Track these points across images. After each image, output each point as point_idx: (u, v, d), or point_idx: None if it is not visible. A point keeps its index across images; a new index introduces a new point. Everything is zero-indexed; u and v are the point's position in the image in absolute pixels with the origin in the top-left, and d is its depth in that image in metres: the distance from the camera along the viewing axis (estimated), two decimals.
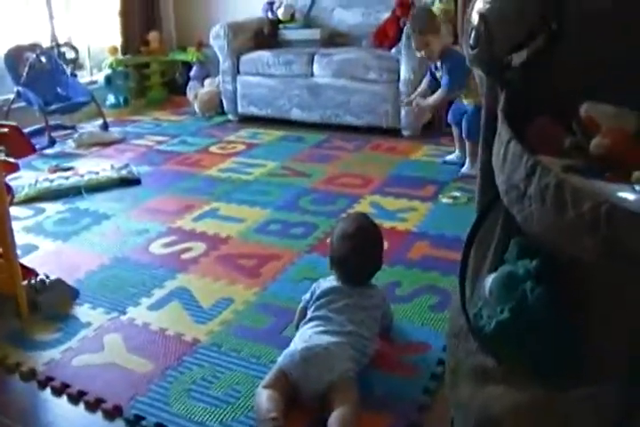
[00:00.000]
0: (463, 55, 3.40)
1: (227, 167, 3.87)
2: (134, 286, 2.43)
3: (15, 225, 2.21)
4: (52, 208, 3.29)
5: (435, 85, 3.66)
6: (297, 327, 2.00)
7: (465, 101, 3.53)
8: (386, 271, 2.07)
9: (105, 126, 4.81)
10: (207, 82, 5.36)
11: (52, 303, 2.27)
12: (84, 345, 2.07)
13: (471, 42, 1.18)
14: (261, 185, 3.54)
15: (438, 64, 3.57)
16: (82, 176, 3.62)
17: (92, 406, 1.79)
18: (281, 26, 5.10)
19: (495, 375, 0.98)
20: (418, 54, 3.61)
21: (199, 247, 2.75)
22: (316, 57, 4.57)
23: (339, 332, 1.83)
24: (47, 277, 2.34)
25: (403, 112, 4.28)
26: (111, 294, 2.38)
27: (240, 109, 4.98)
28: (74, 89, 4.72)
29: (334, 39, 5.01)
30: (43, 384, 1.89)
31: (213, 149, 4.31)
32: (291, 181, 3.57)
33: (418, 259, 2.57)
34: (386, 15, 4.73)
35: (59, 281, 2.35)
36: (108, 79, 5.36)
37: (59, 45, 5.01)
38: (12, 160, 2.24)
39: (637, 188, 0.89)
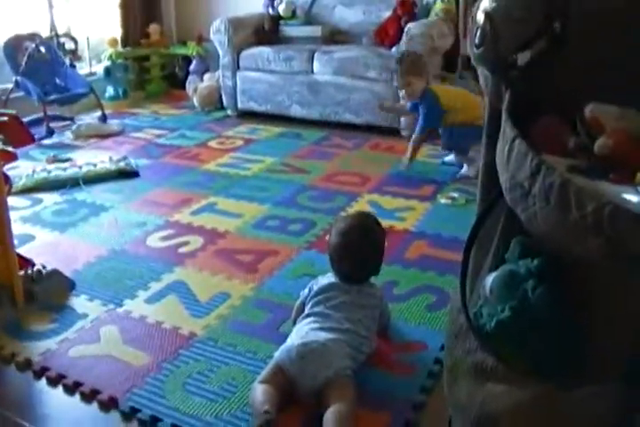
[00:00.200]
0: (437, 98, 3.38)
1: (225, 162, 3.87)
2: (131, 278, 2.43)
3: (12, 215, 2.21)
4: (50, 199, 3.29)
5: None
6: (294, 323, 2.00)
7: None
8: (383, 270, 2.08)
9: (103, 118, 4.80)
10: (207, 76, 5.35)
11: (49, 294, 2.27)
12: (81, 336, 2.07)
13: (476, 41, 1.18)
14: (260, 181, 3.53)
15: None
16: (80, 168, 3.61)
17: (88, 398, 1.79)
18: (282, 22, 5.09)
19: (495, 374, 0.98)
20: (400, 93, 3.79)
21: (197, 241, 2.75)
22: (316, 54, 4.57)
23: (336, 329, 1.83)
24: (44, 267, 2.34)
25: None
26: (108, 286, 2.38)
27: (239, 105, 4.97)
28: (73, 80, 4.71)
29: (335, 37, 5.01)
30: (38, 375, 1.89)
31: (212, 143, 4.30)
32: (289, 178, 3.57)
33: (415, 258, 2.58)
34: (387, 14, 4.73)
35: (55, 272, 2.35)
36: (108, 71, 5.35)
37: (58, 36, 4.98)
38: (10, 149, 2.24)
39: None
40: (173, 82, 5.87)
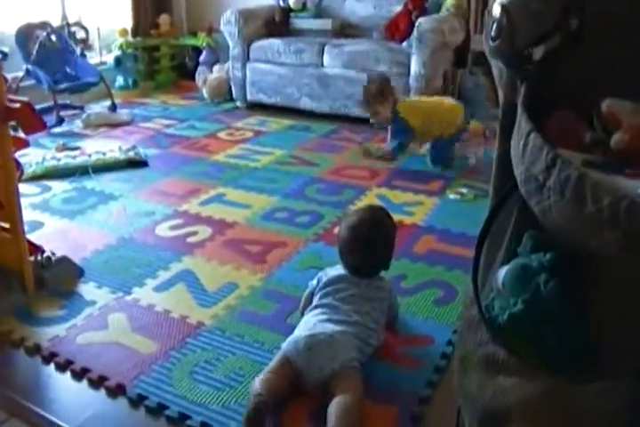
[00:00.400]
0: (406, 121, 3.45)
1: (234, 153, 3.88)
2: (140, 266, 2.44)
3: (22, 202, 2.22)
4: (59, 186, 3.30)
5: None
6: (302, 313, 2.01)
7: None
8: (391, 264, 2.08)
9: (113, 108, 4.82)
10: (216, 68, 5.34)
11: (58, 280, 2.28)
12: (89, 323, 2.08)
13: (492, 34, 1.18)
14: (269, 172, 3.54)
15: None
16: (89, 156, 3.63)
17: (96, 384, 1.80)
18: (292, 14, 5.09)
19: (506, 367, 0.98)
20: (371, 120, 3.83)
21: (205, 231, 2.76)
22: (326, 47, 4.56)
23: (343, 321, 1.84)
24: (53, 254, 2.35)
25: None
26: (116, 273, 2.39)
27: (249, 96, 4.97)
28: (83, 69, 4.72)
29: (345, 30, 4.99)
30: (47, 360, 1.91)
31: (221, 134, 4.30)
32: (298, 170, 3.57)
33: (423, 253, 2.58)
34: (398, 8, 4.72)
35: (64, 259, 2.36)
36: (118, 61, 5.35)
37: (69, 25, 4.99)
38: (22, 136, 2.25)
39: None
40: (183, 72, 5.87)
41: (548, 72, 1.14)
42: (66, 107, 4.67)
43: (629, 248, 0.79)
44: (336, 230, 2.17)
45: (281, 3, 5.14)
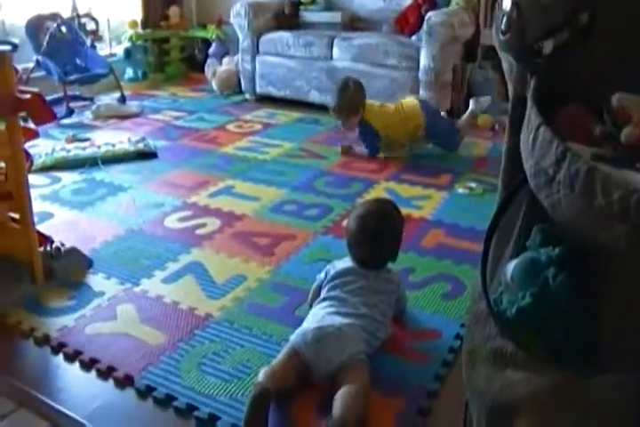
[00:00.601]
0: (369, 125, 3.54)
1: (243, 146, 3.88)
2: (148, 258, 2.45)
3: (32, 193, 2.23)
4: (69, 178, 3.31)
5: None
6: (310, 306, 2.01)
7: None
8: (399, 258, 2.08)
9: (122, 99, 4.82)
10: (225, 60, 5.34)
11: (67, 271, 2.29)
12: (98, 314, 2.09)
13: (502, 27, 1.17)
14: (277, 165, 3.54)
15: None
16: (98, 148, 3.63)
17: (104, 374, 1.81)
18: (302, 7, 5.07)
19: (514, 360, 0.98)
20: (340, 125, 3.83)
21: (214, 223, 2.77)
22: (336, 40, 4.55)
23: (351, 314, 1.84)
24: (62, 244, 2.36)
25: None
26: (125, 265, 2.40)
27: (258, 89, 4.97)
28: (93, 60, 4.72)
29: (355, 23, 4.98)
30: (56, 350, 1.92)
31: (230, 127, 4.30)
32: (307, 163, 3.57)
33: (432, 247, 2.58)
34: (407, 1, 4.69)
35: (74, 249, 2.37)
36: (128, 52, 5.35)
37: (79, 16, 4.99)
38: (32, 126, 2.26)
39: None
40: (192, 65, 5.87)
41: (558, 66, 1.13)
42: (76, 98, 4.68)
43: (639, 242, 0.79)
44: (344, 223, 2.17)
45: None
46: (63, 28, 4.65)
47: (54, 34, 4.53)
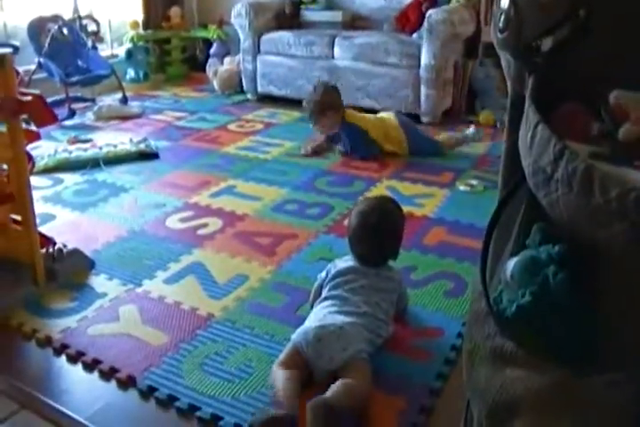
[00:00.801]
0: (356, 125, 3.55)
1: (245, 145, 3.88)
2: (150, 258, 2.45)
3: (34, 194, 2.23)
4: (71, 179, 3.32)
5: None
6: (312, 306, 2.01)
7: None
8: (401, 256, 2.08)
9: (124, 100, 4.83)
10: (227, 60, 5.34)
11: (69, 272, 2.29)
12: (100, 315, 2.09)
13: (500, 25, 1.17)
14: (279, 164, 3.54)
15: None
16: (100, 149, 3.64)
17: (107, 375, 1.81)
18: (302, 6, 5.07)
19: (514, 359, 0.98)
20: (315, 128, 3.82)
21: (215, 223, 2.77)
22: (337, 39, 4.54)
23: (353, 312, 1.84)
24: (64, 246, 2.36)
25: (423, 98, 4.26)
26: (127, 265, 2.40)
27: (259, 89, 4.97)
28: (94, 62, 4.73)
29: (356, 22, 4.98)
30: (58, 352, 1.92)
31: (232, 126, 4.31)
32: (308, 162, 3.57)
33: (434, 245, 2.58)
34: None
35: (76, 251, 2.37)
36: (129, 53, 5.36)
37: (80, 18, 4.99)
38: (34, 129, 2.26)
39: None
40: (194, 65, 5.88)
41: (557, 64, 1.13)
42: (77, 99, 4.69)
43: (638, 239, 0.79)
44: (346, 222, 2.17)
45: None
46: (64, 30, 4.66)
47: (56, 35, 4.54)
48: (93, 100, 4.83)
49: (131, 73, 5.42)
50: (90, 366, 1.85)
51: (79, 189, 3.19)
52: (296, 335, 1.80)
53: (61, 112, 4.22)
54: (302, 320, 1.91)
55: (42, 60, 4.42)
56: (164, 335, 1.98)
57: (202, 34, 5.74)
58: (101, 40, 5.16)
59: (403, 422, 1.63)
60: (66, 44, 4.65)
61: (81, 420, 1.64)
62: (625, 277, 0.93)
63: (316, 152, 3.72)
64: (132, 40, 5.39)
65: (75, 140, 3.88)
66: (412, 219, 2.77)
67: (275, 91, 4.89)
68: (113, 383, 1.79)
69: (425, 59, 4.18)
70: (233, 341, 1.95)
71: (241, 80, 5.09)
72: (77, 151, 3.60)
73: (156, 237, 2.65)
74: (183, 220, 2.81)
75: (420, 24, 4.27)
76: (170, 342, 1.95)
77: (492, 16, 1.22)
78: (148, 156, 3.64)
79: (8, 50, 2.08)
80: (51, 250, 2.30)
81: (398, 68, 4.30)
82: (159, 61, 5.78)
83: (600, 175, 0.82)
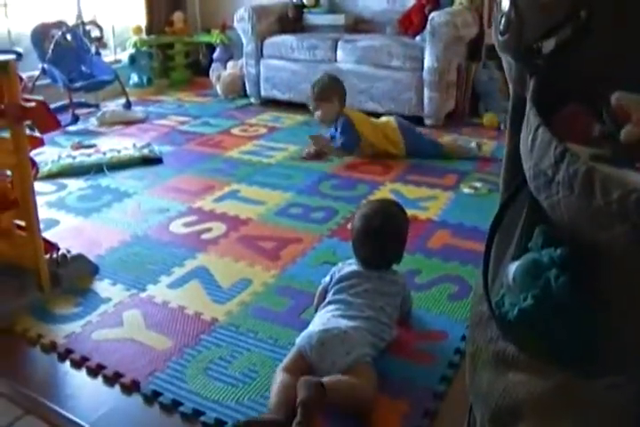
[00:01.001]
0: (352, 121, 3.55)
1: (248, 150, 3.89)
2: (154, 263, 2.46)
3: (38, 200, 2.23)
4: (75, 184, 3.32)
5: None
6: (316, 310, 2.01)
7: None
8: (405, 259, 2.08)
9: (128, 105, 4.84)
10: (230, 64, 5.36)
11: (73, 277, 2.30)
12: (104, 320, 2.10)
13: (501, 28, 1.17)
14: (282, 168, 3.54)
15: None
16: (104, 154, 3.65)
17: (111, 380, 1.81)
18: (305, 10, 5.09)
19: (517, 363, 0.97)
20: (315, 116, 3.88)
21: (219, 228, 2.77)
22: (340, 43, 4.55)
23: (357, 316, 1.84)
24: (68, 251, 2.37)
25: (426, 100, 4.26)
26: (131, 270, 2.41)
27: (262, 93, 4.98)
28: (98, 67, 4.75)
29: (358, 25, 4.99)
30: (63, 357, 1.92)
31: (235, 131, 4.32)
32: (312, 166, 3.57)
33: (438, 248, 2.57)
34: (411, 2, 4.71)
35: (80, 256, 2.38)
36: (132, 58, 5.38)
37: (84, 24, 5.02)
38: (37, 135, 2.26)
39: None
40: (197, 70, 5.90)
41: (559, 65, 1.13)
42: (81, 105, 4.71)
43: (639, 241, 0.79)
44: (350, 226, 2.17)
45: None
46: (68, 36, 4.69)
47: (59, 41, 4.57)
48: (97, 106, 4.85)
49: (134, 78, 5.44)
50: (94, 371, 1.85)
51: (83, 194, 3.20)
52: (300, 339, 1.79)
53: (65, 118, 4.23)
54: (306, 324, 1.90)
55: (45, 66, 4.45)
56: (167, 340, 1.98)
57: (205, 38, 5.76)
58: (105, 46, 5.19)
59: (406, 425, 1.63)
60: (69, 50, 4.67)
61: (85, 425, 1.64)
62: (626, 278, 0.93)
63: (318, 155, 3.72)
64: (135, 45, 5.41)
65: (78, 146, 3.89)
66: (416, 222, 2.77)
67: (278, 95, 4.90)
68: (117, 388, 1.79)
69: (428, 61, 4.18)
70: (237, 345, 1.95)
71: (244, 84, 5.10)
72: (81, 157, 3.61)
73: (160, 241, 2.65)
74: (187, 224, 2.82)
75: (423, 27, 4.28)
76: (174, 347, 1.95)
77: (493, 18, 1.22)
78: (151, 161, 3.65)
79: (11, 56, 2.08)
80: (55, 255, 2.31)
81: (401, 71, 4.31)
82: (162, 66, 5.80)
83: (601, 177, 0.82)
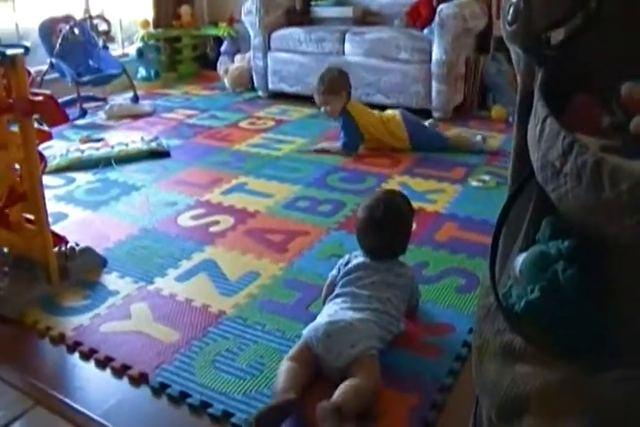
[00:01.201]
0: (354, 119, 3.53)
1: (256, 143, 3.88)
2: (162, 256, 2.46)
3: (47, 194, 2.24)
4: (83, 178, 3.33)
5: None
6: (324, 303, 2.01)
7: None
8: (413, 252, 2.08)
9: (135, 99, 4.85)
10: (238, 57, 5.35)
11: (82, 270, 2.31)
12: (112, 313, 2.10)
13: (509, 18, 1.16)
14: (290, 161, 3.54)
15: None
16: (112, 147, 3.65)
17: (119, 372, 1.82)
18: (313, 3, 5.08)
19: (524, 355, 0.97)
20: (321, 109, 3.81)
21: (227, 221, 2.77)
22: (347, 35, 4.54)
23: (364, 309, 1.84)
24: (77, 244, 2.37)
25: (434, 93, 4.25)
26: (139, 263, 2.41)
27: (270, 86, 4.97)
28: (105, 61, 4.75)
29: (366, 18, 4.97)
30: (71, 349, 1.93)
31: (243, 124, 4.32)
32: (319, 159, 3.57)
33: (445, 241, 2.57)
34: None
35: (88, 249, 2.38)
36: (140, 52, 5.38)
37: (91, 18, 5.02)
38: (45, 129, 2.27)
39: None
40: (204, 63, 5.89)
41: (568, 56, 1.12)
42: (89, 99, 4.72)
43: None
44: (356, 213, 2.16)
45: None
46: (76, 30, 4.69)
47: (67, 36, 4.57)
48: (105, 100, 4.86)
49: (142, 72, 5.44)
50: (102, 364, 1.86)
51: (91, 187, 3.21)
52: (307, 331, 1.80)
53: (73, 112, 4.24)
54: (313, 317, 1.91)
55: (53, 60, 4.45)
56: (175, 333, 1.99)
57: (212, 32, 5.75)
58: (112, 39, 5.19)
59: (414, 418, 1.63)
60: (77, 44, 4.67)
61: (94, 416, 1.65)
62: (635, 272, 0.92)
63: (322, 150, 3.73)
64: (142, 39, 5.41)
65: (86, 140, 3.90)
66: (424, 215, 2.76)
67: (286, 88, 4.89)
68: (125, 380, 1.80)
69: (436, 54, 4.16)
70: (244, 338, 1.96)
71: (252, 77, 5.10)
72: (89, 150, 3.61)
73: (168, 234, 2.65)
74: (195, 217, 2.82)
75: (432, 19, 4.26)
76: (181, 340, 1.95)
77: (501, 9, 1.21)
78: (159, 154, 3.65)
79: (19, 51, 2.08)
80: (63, 249, 2.31)
81: (409, 64, 4.29)
82: (170, 60, 5.80)
83: (610, 168, 0.81)
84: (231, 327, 2.01)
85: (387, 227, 1.98)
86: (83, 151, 3.60)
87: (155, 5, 5.60)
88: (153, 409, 1.70)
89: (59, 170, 3.40)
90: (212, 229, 2.70)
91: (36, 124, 2.17)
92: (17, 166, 2.22)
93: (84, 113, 4.45)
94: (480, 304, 1.15)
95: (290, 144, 3.84)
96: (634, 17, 1.09)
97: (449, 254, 2.45)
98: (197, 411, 1.67)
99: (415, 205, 2.10)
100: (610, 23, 1.08)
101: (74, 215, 2.87)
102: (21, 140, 2.11)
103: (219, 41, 5.73)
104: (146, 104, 4.78)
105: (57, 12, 4.74)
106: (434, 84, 4.22)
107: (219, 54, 5.58)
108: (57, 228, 2.50)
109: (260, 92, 5.07)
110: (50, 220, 2.25)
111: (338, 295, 1.94)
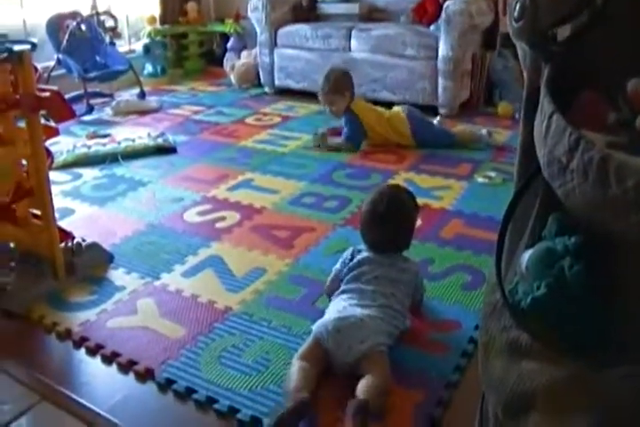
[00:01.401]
0: (358, 117, 3.55)
1: (262, 139, 3.89)
2: (168, 252, 2.47)
3: (53, 189, 2.26)
4: (90, 174, 3.34)
5: None
6: (328, 296, 2.02)
7: None
8: (419, 248, 2.07)
9: (142, 95, 4.85)
10: (244, 54, 5.35)
11: (88, 266, 2.31)
12: (119, 308, 2.11)
13: (515, 14, 1.16)
14: (296, 158, 3.54)
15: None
16: (119, 143, 3.66)
17: (125, 368, 1.83)
18: None
19: (530, 351, 0.97)
20: (326, 109, 3.84)
21: (233, 217, 2.78)
22: (353, 32, 4.53)
23: (370, 305, 1.84)
24: (83, 240, 2.38)
25: (440, 90, 4.24)
26: (145, 259, 2.42)
27: (277, 82, 4.97)
28: (112, 57, 4.75)
29: (373, 14, 4.95)
30: (78, 344, 1.94)
31: (249, 120, 4.32)
32: (326, 155, 3.57)
33: (451, 237, 2.57)
34: None
35: (94, 245, 2.39)
36: (147, 48, 5.39)
37: (98, 14, 5.02)
38: (52, 124, 2.28)
39: None
40: (211, 59, 5.89)
41: (574, 52, 1.12)
42: (96, 95, 4.72)
43: None
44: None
45: None
46: (83, 26, 4.69)
47: (74, 32, 4.57)
48: (111, 96, 4.86)
49: (148, 68, 5.45)
50: (109, 359, 1.87)
51: (98, 183, 3.21)
52: (316, 327, 1.80)
53: (80, 108, 4.25)
54: (320, 313, 1.91)
55: (60, 56, 4.46)
56: (181, 328, 1.99)
57: (219, 28, 5.74)
58: (119, 36, 5.19)
59: (420, 414, 1.63)
60: (84, 41, 4.68)
61: (100, 412, 1.66)
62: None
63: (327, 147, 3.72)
64: (149, 35, 5.42)
65: (93, 136, 3.90)
66: (430, 211, 2.76)
67: (292, 84, 4.88)
68: (131, 376, 1.80)
69: (442, 50, 4.15)
70: (250, 333, 1.96)
71: (258, 74, 5.09)
72: (96, 146, 3.62)
73: (174, 230, 2.66)
74: (201, 213, 2.82)
75: (438, 15, 4.24)
76: (187, 335, 1.96)
77: (508, 5, 1.21)
78: (165, 150, 3.65)
79: (27, 47, 2.09)
80: (70, 244, 2.32)
81: (416, 60, 4.28)
82: (176, 56, 5.80)
83: (616, 164, 0.81)
84: (237, 323, 2.01)
85: (390, 220, 1.99)
86: (89, 147, 3.60)
87: (161, 2, 5.59)
88: (159, 405, 1.70)
89: (65, 166, 3.41)
90: (219, 224, 2.71)
91: (42, 120, 2.18)
92: (24, 162, 2.22)
93: (90, 109, 4.46)
94: (486, 301, 1.15)
95: (296, 140, 3.84)
96: (639, 12, 1.09)
97: (455, 251, 2.45)
98: (203, 407, 1.68)
99: (421, 201, 2.10)
100: (616, 20, 1.08)
101: (80, 211, 2.88)
102: (28, 136, 2.11)
103: (225, 37, 5.72)
104: (152, 100, 4.79)
105: (64, 8, 4.74)
106: (440, 81, 4.21)
107: (225, 51, 5.58)
108: (64, 223, 2.50)
109: (266, 89, 5.07)
110: (56, 215, 2.26)
111: (344, 291, 1.94)
